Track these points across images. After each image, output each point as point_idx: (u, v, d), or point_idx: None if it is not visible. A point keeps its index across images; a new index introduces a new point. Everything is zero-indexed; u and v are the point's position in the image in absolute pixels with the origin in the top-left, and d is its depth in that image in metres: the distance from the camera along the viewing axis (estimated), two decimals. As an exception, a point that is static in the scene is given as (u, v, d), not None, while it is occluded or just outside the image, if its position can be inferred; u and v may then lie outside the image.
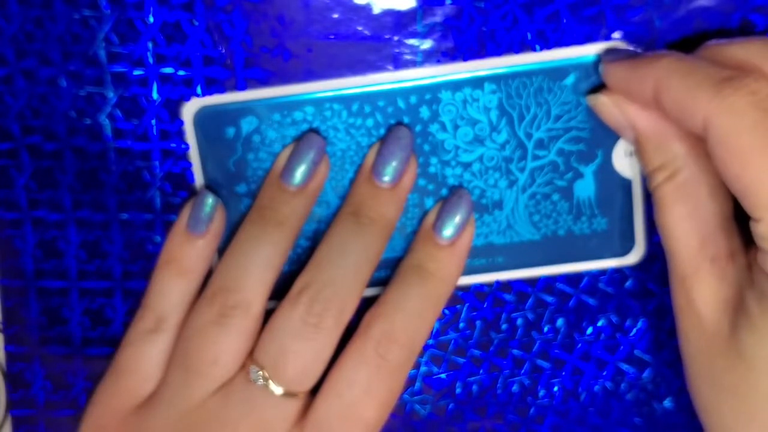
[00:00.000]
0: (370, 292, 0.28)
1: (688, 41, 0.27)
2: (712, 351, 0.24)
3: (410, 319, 0.26)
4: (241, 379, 0.26)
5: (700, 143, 0.24)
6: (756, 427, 0.23)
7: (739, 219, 0.24)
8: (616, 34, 0.27)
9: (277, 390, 0.25)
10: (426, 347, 0.30)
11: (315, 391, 0.26)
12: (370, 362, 0.25)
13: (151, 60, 0.27)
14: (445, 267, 0.27)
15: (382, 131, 0.27)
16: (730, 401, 0.24)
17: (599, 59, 0.26)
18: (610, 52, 0.26)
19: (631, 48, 0.27)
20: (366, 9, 0.27)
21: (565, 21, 0.27)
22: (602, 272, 0.29)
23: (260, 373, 0.25)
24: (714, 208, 0.24)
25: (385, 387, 0.26)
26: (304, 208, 0.27)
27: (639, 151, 0.25)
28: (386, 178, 0.27)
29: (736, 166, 0.21)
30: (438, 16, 0.27)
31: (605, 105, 0.26)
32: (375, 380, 0.25)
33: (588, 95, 0.26)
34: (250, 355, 0.26)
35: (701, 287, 0.24)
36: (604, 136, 0.27)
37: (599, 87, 0.26)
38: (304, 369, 0.25)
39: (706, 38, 0.27)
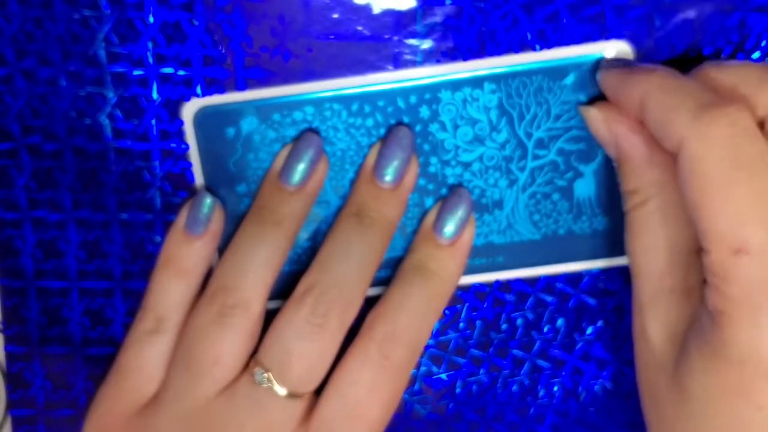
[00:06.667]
0: (372, 291, 0.28)
1: (688, 42, 0.27)
2: (658, 382, 0.24)
3: (413, 319, 0.26)
4: (245, 380, 0.26)
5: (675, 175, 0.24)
6: None
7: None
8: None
9: (282, 391, 0.25)
10: (426, 347, 0.30)
11: (319, 391, 0.26)
12: (374, 362, 0.25)
13: (151, 60, 0.27)
14: (447, 266, 0.27)
15: (382, 131, 0.27)
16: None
17: (599, 62, 0.26)
18: (609, 60, 0.26)
19: (631, 56, 0.27)
20: (366, 9, 0.27)
21: (565, 21, 0.27)
22: (602, 272, 0.29)
23: (265, 374, 0.25)
24: (679, 241, 0.24)
25: (389, 387, 0.26)
26: (302, 208, 0.27)
27: (618, 169, 0.25)
28: (388, 179, 0.27)
29: (697, 194, 0.21)
30: (438, 16, 0.27)
31: (594, 119, 0.26)
32: (379, 380, 0.25)
33: (580, 106, 0.27)
34: (254, 357, 0.26)
35: (655, 317, 0.24)
36: (604, 135, 0.27)
37: (596, 98, 0.26)
38: (308, 370, 0.25)
39: (706, 39, 0.27)
